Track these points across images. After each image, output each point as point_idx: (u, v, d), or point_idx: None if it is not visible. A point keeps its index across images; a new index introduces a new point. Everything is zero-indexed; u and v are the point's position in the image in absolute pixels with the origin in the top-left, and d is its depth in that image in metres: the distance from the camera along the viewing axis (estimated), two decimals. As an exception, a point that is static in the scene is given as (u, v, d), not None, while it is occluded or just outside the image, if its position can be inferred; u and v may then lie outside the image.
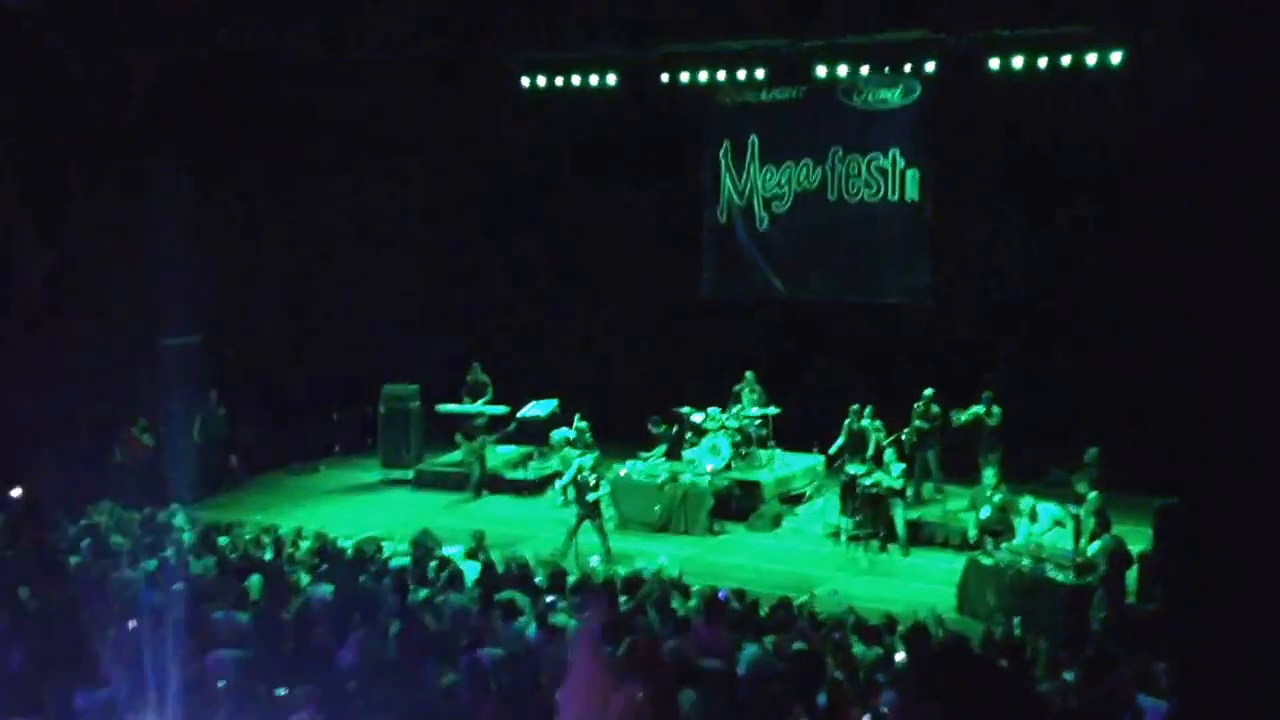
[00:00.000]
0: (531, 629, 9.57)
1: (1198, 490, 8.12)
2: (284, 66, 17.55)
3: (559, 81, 18.44)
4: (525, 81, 18.59)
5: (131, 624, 9.49)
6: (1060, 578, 11.90)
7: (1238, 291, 7.52)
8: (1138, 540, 12.58)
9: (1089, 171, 16.04)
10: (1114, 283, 16.04)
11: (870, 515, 14.49)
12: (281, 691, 7.96)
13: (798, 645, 9.27)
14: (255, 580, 10.96)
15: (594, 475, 14.35)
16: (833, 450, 16.11)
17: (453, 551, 12.40)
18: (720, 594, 10.71)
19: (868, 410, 15.83)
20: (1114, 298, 16.10)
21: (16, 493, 14.32)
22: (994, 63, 15.97)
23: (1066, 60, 15.58)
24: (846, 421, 15.90)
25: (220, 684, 8.20)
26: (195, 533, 12.94)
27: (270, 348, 18.95)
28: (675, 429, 16.85)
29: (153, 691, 7.96)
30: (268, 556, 11.95)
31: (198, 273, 17.61)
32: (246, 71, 17.55)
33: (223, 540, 12.63)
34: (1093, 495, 12.61)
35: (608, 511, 15.65)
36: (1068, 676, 8.97)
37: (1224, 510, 7.81)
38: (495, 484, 17.32)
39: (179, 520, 13.60)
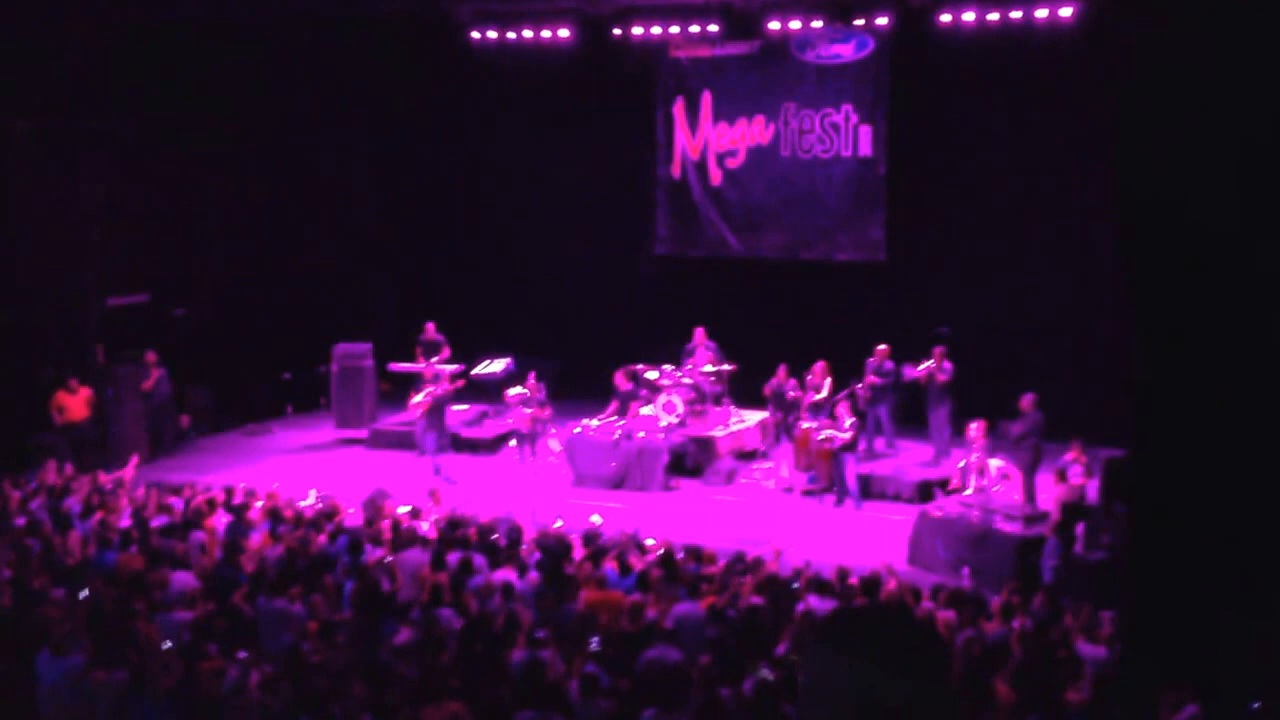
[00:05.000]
0: (488, 587, 9.60)
1: (1144, 442, 8.28)
2: (229, 24, 17.22)
3: (510, 35, 18.22)
4: (475, 35, 18.36)
5: (85, 591, 9.41)
6: (1009, 528, 12.08)
7: (1179, 248, 7.63)
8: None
9: (1035, 124, 16.14)
10: (1058, 236, 16.22)
11: (823, 470, 14.61)
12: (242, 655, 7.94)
13: (754, 600, 9.39)
14: (208, 541, 10.91)
15: None
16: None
17: (406, 510, 12.38)
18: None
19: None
20: (1056, 251, 16.29)
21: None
22: (946, 17, 15.98)
23: (1018, 15, 15.64)
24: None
25: (167, 645, 8.15)
26: (148, 493, 12.82)
27: (221, 306, 18.72)
28: (633, 386, 16.85)
29: (116, 653, 7.90)
30: (222, 518, 11.86)
31: (144, 231, 17.36)
32: (191, 29, 17.20)
33: (176, 501, 12.51)
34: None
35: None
36: (1016, 624, 9.13)
37: (1169, 462, 7.98)
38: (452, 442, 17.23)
39: (131, 480, 13.48)
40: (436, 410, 15.77)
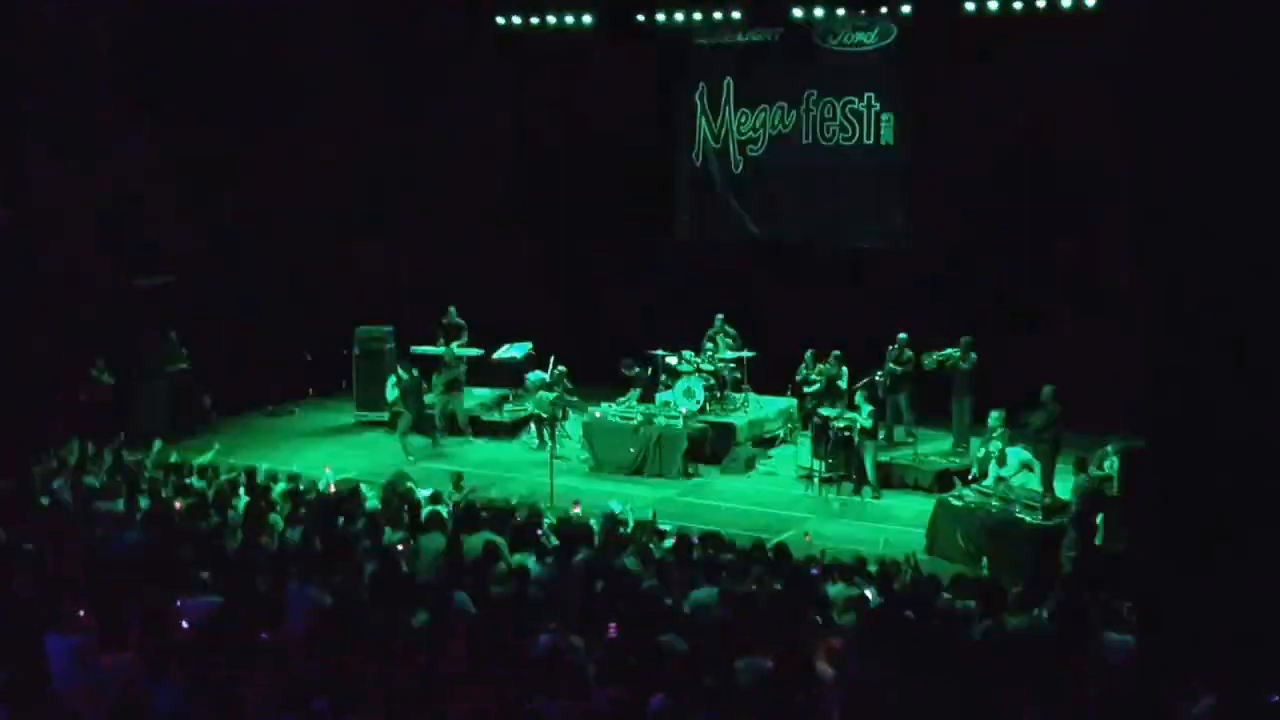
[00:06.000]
0: (504, 572, 9.64)
1: (1163, 432, 8.25)
2: (253, 7, 17.27)
3: (534, 21, 18.25)
4: (500, 20, 18.39)
5: (104, 567, 9.49)
6: (1029, 518, 12.05)
7: (1200, 237, 7.59)
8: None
9: (1058, 112, 16.06)
10: (1081, 225, 16.14)
11: (842, 458, 14.61)
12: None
13: (773, 585, 9.39)
14: (230, 522, 10.98)
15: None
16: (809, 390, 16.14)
17: (426, 493, 12.43)
18: None
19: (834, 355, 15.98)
20: (1080, 240, 16.21)
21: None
22: (969, 5, 15.92)
23: (1042, 2, 15.56)
24: (823, 365, 16.01)
25: (184, 625, 8.21)
26: (170, 473, 12.91)
27: (244, 288, 18.79)
28: (649, 371, 16.90)
29: (125, 635, 7.96)
30: (242, 499, 11.93)
31: (170, 212, 17.46)
32: (216, 12, 17.25)
33: (198, 482, 12.60)
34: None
35: (582, 454, 15.79)
36: (1038, 613, 9.11)
37: (1189, 453, 7.95)
38: (473, 426, 17.32)
39: (152, 460, 13.58)
40: (414, 392, 15.99)
